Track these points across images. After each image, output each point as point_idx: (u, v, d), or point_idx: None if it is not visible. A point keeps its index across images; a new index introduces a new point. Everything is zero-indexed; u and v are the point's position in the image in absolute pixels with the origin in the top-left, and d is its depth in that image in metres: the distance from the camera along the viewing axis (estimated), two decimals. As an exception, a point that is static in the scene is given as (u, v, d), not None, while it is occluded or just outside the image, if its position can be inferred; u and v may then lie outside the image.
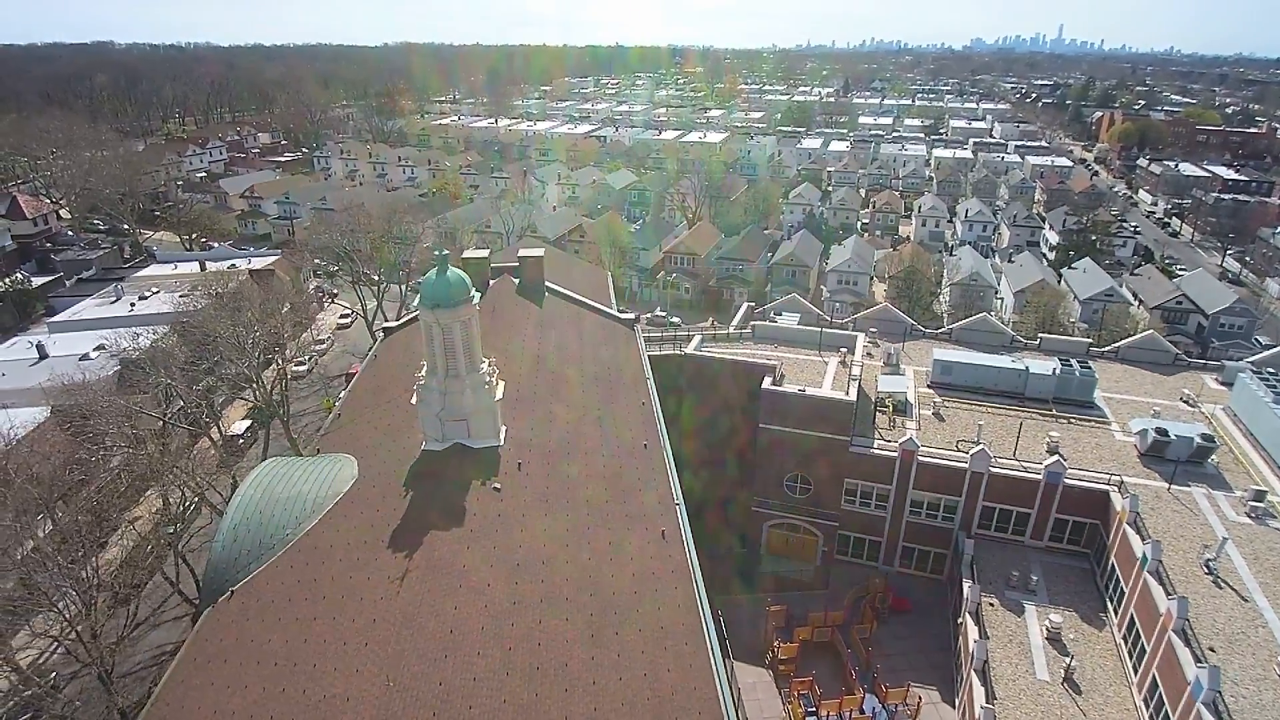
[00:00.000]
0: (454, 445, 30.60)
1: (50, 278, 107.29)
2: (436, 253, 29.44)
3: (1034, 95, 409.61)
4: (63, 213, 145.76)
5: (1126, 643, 39.14)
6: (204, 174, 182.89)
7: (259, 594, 26.53)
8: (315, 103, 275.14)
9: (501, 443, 31.42)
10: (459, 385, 29.64)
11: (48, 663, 44.80)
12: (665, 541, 29.99)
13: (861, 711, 40.22)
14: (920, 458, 47.65)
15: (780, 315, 65.52)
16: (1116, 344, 63.03)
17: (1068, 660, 38.67)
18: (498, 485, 29.02)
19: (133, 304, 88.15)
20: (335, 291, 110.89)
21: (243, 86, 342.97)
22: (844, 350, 57.35)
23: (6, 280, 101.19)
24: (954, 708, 42.02)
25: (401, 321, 51.95)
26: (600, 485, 31.99)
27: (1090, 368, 54.51)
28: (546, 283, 50.25)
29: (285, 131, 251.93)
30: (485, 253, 51.89)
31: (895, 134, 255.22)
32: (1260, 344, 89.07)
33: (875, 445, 49.32)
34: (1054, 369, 54.04)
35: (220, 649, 24.64)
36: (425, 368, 30.38)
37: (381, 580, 24.63)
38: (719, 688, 23.53)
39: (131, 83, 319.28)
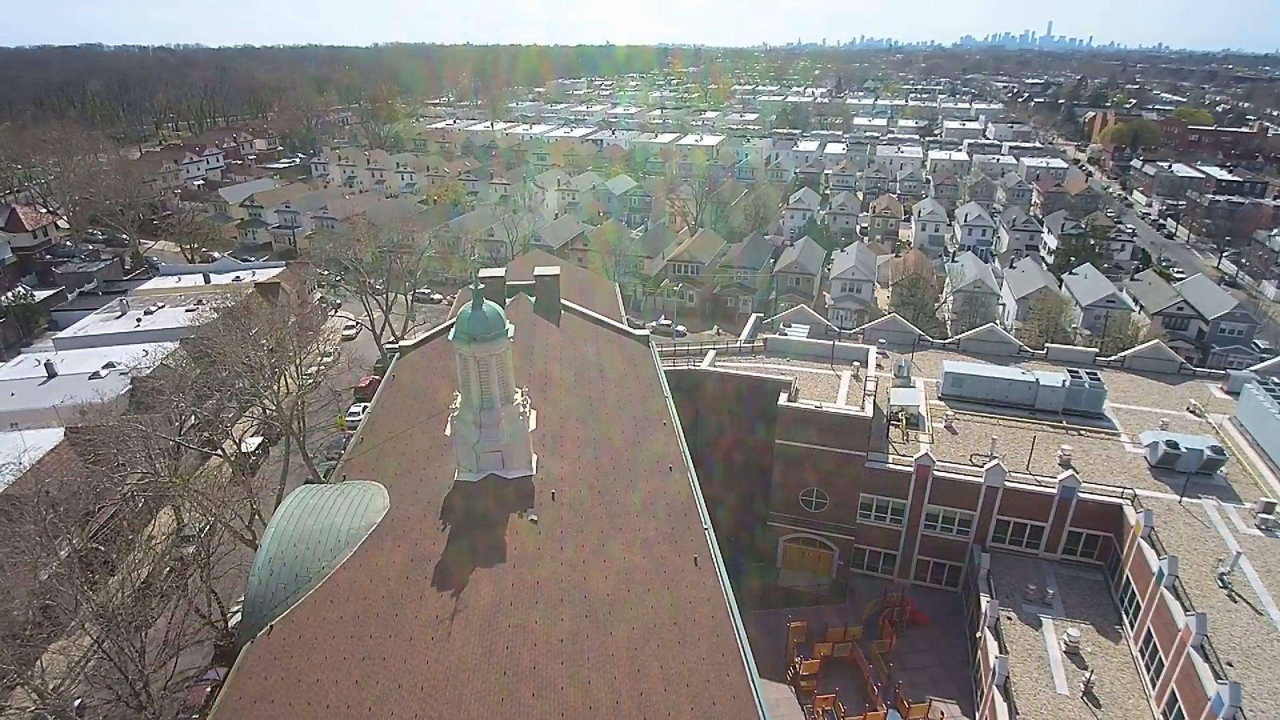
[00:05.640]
0: (488, 476, 30.92)
1: (52, 291, 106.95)
2: (473, 288, 29.77)
3: (1026, 95, 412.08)
4: (60, 223, 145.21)
5: (1144, 656, 39.73)
6: (201, 182, 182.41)
7: (300, 630, 26.76)
8: (310, 108, 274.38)
9: (534, 472, 31.77)
10: (494, 417, 29.98)
11: (72, 687, 44.90)
12: (698, 568, 30.41)
13: (885, 728, 40.70)
14: (935, 472, 48.21)
15: (790, 327, 66.01)
16: (1122, 353, 63.81)
17: (1087, 674, 39.21)
18: (534, 517, 29.36)
19: (139, 319, 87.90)
20: (339, 302, 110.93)
21: (236, 91, 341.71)
22: (856, 363, 57.87)
23: (9, 295, 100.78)
24: (974, 722, 42.55)
25: (417, 340, 52.09)
26: (631, 513, 32.36)
27: (1099, 379, 55.13)
28: (562, 300, 50.57)
29: (281, 137, 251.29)
30: (501, 271, 52.10)
31: (890, 135, 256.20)
32: (1259, 348, 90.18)
33: (891, 460, 49.87)
34: (1064, 381, 54.62)
35: (266, 687, 24.89)
36: (459, 399, 30.68)
37: (430, 619, 24.92)
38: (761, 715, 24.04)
39: (124, 88, 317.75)
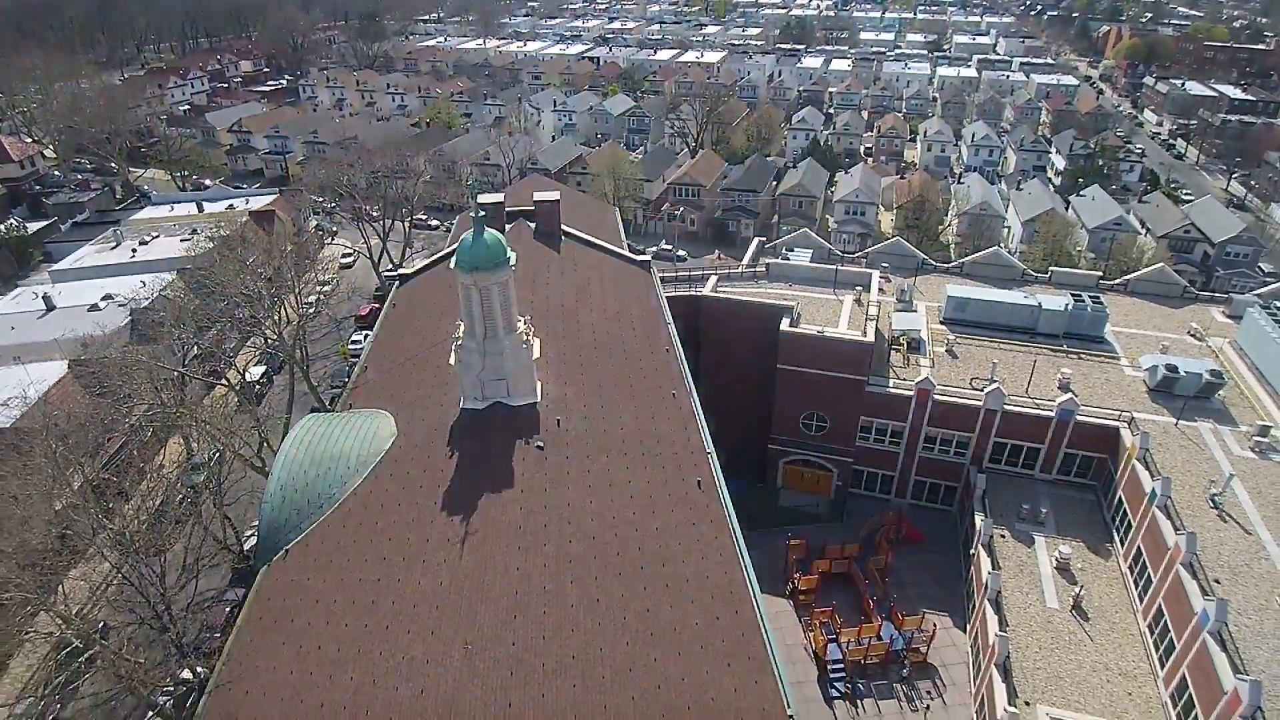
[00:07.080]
0: (494, 404, 31.20)
1: (44, 223, 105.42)
2: (472, 215, 29.33)
3: (1039, 7, 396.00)
4: (46, 153, 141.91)
5: (1132, 573, 40.95)
6: (187, 107, 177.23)
7: (315, 554, 27.51)
8: (296, 26, 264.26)
9: (538, 399, 32.03)
10: (498, 346, 30.02)
11: (95, 612, 46.40)
12: (702, 491, 31.04)
13: (879, 639, 42.34)
14: (935, 396, 48.58)
15: (792, 252, 65.36)
16: (1126, 277, 63.41)
17: (1076, 589, 40.48)
18: (540, 443, 29.76)
19: (134, 249, 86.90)
20: (335, 229, 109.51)
21: (219, 10, 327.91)
22: (859, 288, 57.58)
23: (1, 227, 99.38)
24: (965, 633, 44.22)
25: (416, 268, 51.77)
26: (635, 438, 32.80)
27: (1101, 303, 54.92)
28: (562, 225, 49.93)
29: (267, 59, 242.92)
30: (499, 197, 51.12)
31: (898, 50, 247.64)
32: (1264, 272, 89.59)
33: (891, 384, 50.22)
34: (1066, 305, 54.42)
35: (285, 608, 25.74)
36: (463, 328, 30.65)
37: (442, 541, 25.58)
38: (766, 639, 24.95)
39: (102, 9, 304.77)
